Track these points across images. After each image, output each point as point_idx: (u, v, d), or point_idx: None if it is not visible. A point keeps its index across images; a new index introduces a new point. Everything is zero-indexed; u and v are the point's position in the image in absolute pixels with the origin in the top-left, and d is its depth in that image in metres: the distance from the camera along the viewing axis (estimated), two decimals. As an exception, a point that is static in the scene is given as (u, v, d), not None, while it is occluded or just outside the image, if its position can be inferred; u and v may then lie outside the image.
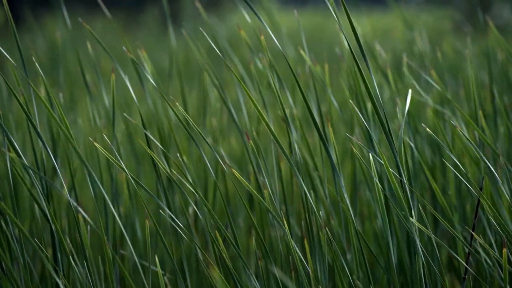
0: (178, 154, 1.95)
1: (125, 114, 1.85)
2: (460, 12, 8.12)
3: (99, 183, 1.55)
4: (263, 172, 1.81)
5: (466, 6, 7.98)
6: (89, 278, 1.65)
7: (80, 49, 1.93)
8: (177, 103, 1.65)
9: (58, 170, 1.61)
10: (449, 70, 3.11)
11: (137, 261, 1.58)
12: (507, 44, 2.24)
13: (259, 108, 1.57)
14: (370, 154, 1.65)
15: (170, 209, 2.33)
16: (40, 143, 1.69)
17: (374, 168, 1.63)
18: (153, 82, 1.66)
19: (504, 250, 1.51)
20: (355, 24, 1.55)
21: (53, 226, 1.63)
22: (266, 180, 1.76)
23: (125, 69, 2.30)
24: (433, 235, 1.62)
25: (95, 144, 1.62)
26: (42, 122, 2.18)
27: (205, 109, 2.35)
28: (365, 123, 1.69)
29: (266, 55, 1.84)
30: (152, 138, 1.68)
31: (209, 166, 1.62)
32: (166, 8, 2.29)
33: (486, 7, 7.12)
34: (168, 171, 1.67)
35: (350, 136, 1.78)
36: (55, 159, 1.99)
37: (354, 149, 1.68)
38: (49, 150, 1.64)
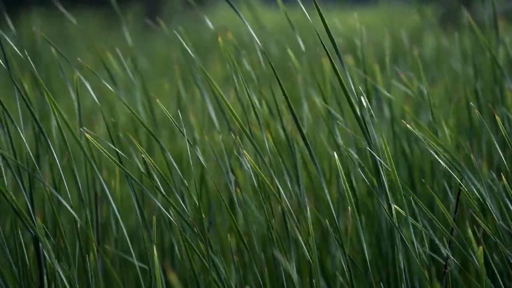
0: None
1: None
2: (444, 8, 8.15)
3: (95, 166, 1.55)
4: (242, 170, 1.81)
5: (449, 2, 8.02)
6: (72, 275, 1.65)
7: (59, 47, 1.93)
8: (158, 100, 1.65)
9: (56, 158, 1.61)
10: (432, 65, 3.12)
11: (137, 264, 1.58)
12: (481, 39, 2.26)
13: (231, 107, 1.57)
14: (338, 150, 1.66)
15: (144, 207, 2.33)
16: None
17: (338, 165, 1.63)
18: (111, 88, 1.65)
19: (480, 248, 1.52)
20: (330, 21, 1.56)
21: (32, 225, 1.63)
22: (233, 179, 1.76)
23: (106, 67, 2.30)
24: (411, 218, 1.63)
25: (86, 135, 1.62)
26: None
27: (178, 106, 2.35)
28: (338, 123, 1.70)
29: (227, 55, 1.84)
30: (134, 138, 1.68)
31: (175, 166, 1.62)
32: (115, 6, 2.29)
33: (467, 3, 7.16)
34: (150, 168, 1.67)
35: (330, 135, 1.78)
36: (38, 156, 1.98)
37: (340, 142, 1.69)
38: (43, 130, 1.63)
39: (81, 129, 1.67)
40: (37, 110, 2.06)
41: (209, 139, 2.59)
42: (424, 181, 2.18)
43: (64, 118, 1.61)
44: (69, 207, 1.47)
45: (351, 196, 1.59)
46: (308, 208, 1.59)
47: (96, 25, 9.36)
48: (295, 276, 1.61)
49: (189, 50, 1.73)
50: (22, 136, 1.68)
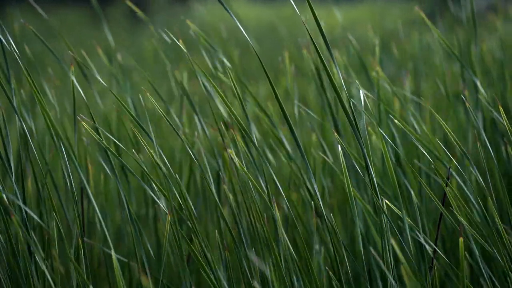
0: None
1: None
2: (432, 3, 8.18)
3: (77, 165, 1.55)
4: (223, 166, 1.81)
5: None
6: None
7: (48, 42, 1.93)
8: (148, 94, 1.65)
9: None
10: (419, 60, 3.13)
11: (116, 257, 1.58)
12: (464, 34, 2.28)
13: (226, 101, 1.57)
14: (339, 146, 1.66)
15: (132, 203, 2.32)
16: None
17: (340, 154, 1.63)
18: (103, 83, 1.65)
19: (461, 239, 1.53)
20: (320, 16, 1.56)
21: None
22: (225, 175, 1.76)
23: (95, 62, 2.30)
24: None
25: (83, 123, 1.62)
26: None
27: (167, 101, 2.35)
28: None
29: (191, 62, 1.84)
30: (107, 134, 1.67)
31: (164, 160, 1.62)
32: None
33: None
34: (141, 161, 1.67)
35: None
36: (26, 156, 1.98)
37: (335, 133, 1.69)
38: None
39: (78, 116, 1.66)
40: (29, 105, 2.05)
41: (198, 134, 2.59)
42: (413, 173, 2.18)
43: (49, 116, 1.61)
44: (38, 219, 1.46)
45: (350, 184, 1.60)
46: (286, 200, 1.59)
47: (83, 21, 9.33)
48: (269, 274, 1.62)
49: (182, 46, 1.73)
50: (24, 126, 1.68)
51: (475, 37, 2.32)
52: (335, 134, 1.67)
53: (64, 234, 1.72)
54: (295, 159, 2.10)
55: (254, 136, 1.86)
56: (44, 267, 1.58)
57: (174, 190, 1.66)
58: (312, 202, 1.88)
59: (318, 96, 2.37)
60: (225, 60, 2.10)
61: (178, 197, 1.64)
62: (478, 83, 2.15)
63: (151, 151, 1.64)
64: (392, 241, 1.60)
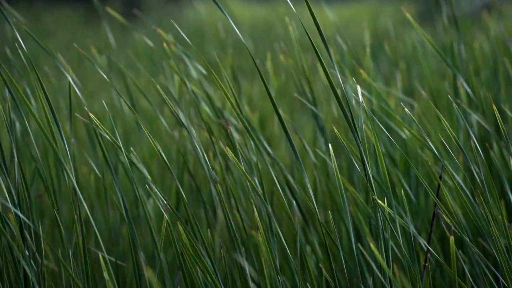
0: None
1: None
2: (425, 3, 8.18)
3: (69, 171, 1.55)
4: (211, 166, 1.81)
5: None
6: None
7: (42, 41, 1.93)
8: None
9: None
10: (411, 60, 3.14)
11: (107, 258, 1.58)
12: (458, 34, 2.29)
13: (231, 99, 1.58)
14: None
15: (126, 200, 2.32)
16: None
17: (331, 152, 1.64)
18: (105, 78, 1.65)
19: (452, 238, 1.54)
20: (316, 15, 1.57)
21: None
22: (215, 174, 1.77)
23: (89, 61, 2.30)
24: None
25: (89, 113, 1.63)
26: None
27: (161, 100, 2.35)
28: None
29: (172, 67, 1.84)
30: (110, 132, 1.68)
31: (163, 156, 1.62)
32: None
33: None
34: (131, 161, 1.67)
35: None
36: (15, 156, 1.98)
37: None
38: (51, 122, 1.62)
39: (86, 107, 1.67)
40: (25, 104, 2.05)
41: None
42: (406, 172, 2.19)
43: (37, 120, 1.61)
44: (28, 221, 1.46)
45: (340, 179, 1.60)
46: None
47: (77, 21, 9.32)
48: (254, 274, 1.62)
49: (167, 50, 1.73)
50: (31, 126, 1.68)
51: (457, 36, 2.33)
52: (334, 128, 1.67)
53: (60, 234, 1.73)
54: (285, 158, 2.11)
55: (249, 129, 1.87)
56: (26, 267, 1.58)
57: (178, 184, 1.67)
58: (294, 201, 1.89)
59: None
60: (196, 69, 2.10)
61: (181, 192, 1.64)
62: (464, 83, 2.15)
63: (154, 142, 1.65)
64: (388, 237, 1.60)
